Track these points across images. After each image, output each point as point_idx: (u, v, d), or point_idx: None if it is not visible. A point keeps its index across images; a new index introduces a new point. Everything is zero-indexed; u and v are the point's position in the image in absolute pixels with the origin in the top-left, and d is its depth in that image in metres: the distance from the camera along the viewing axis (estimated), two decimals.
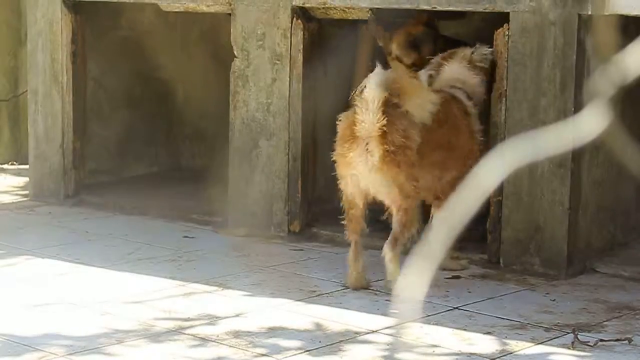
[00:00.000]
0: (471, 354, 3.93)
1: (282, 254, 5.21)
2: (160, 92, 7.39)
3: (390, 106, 4.45)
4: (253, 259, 5.23)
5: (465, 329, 4.22)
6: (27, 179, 6.93)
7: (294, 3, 5.62)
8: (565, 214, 4.95)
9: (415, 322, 4.22)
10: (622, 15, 4.82)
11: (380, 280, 4.85)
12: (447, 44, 5.44)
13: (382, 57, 5.86)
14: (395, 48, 5.40)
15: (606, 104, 1.91)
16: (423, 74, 4.99)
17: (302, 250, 5.37)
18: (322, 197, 5.81)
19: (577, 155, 4.95)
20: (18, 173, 7.60)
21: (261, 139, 5.75)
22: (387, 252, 4.58)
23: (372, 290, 4.71)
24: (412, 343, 4.03)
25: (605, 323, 4.33)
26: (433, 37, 5.41)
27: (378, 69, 4.50)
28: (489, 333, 4.18)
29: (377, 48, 5.92)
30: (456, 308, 4.51)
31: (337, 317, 4.31)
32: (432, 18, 5.41)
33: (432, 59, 5.19)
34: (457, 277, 4.99)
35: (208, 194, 6.21)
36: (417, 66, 5.34)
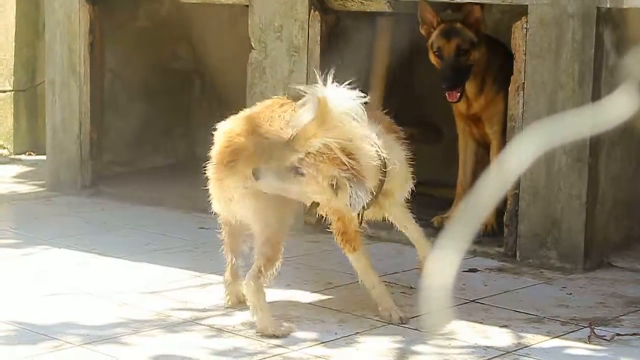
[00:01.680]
0: (487, 347, 3.93)
1: (297, 245, 5.20)
2: (177, 83, 7.40)
3: None
4: None
5: (481, 322, 4.21)
6: (44, 169, 6.94)
7: None
8: (583, 208, 4.94)
9: (432, 314, 4.21)
10: None
11: (396, 272, 4.85)
12: (490, 46, 5.39)
13: (398, 51, 5.87)
14: (435, 37, 5.31)
15: (636, 87, 1.90)
16: None
17: (318, 242, 5.36)
18: None
19: (595, 150, 4.93)
20: (35, 163, 7.62)
21: None
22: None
23: (387, 282, 4.69)
24: (428, 335, 4.03)
25: (621, 317, 4.32)
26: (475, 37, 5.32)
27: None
28: (505, 326, 4.17)
29: (394, 41, 5.92)
30: (472, 301, 4.51)
31: (352, 309, 4.31)
32: (480, 18, 5.31)
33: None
34: (474, 270, 4.98)
35: None
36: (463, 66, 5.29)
